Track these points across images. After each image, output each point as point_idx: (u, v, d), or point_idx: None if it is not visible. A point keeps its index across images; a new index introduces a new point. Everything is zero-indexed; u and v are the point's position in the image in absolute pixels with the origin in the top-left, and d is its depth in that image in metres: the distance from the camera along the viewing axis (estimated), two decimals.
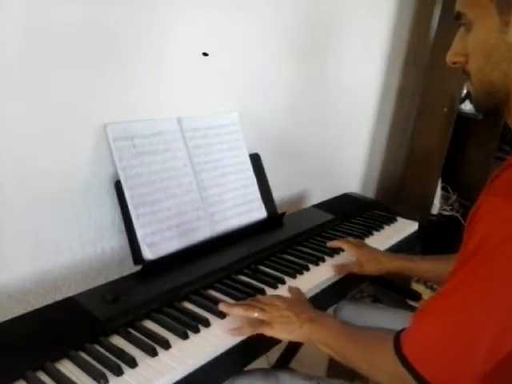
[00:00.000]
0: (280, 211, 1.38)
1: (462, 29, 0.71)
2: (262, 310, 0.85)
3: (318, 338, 0.82)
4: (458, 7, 0.69)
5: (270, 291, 0.99)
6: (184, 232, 1.11)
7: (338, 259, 1.17)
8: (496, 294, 0.60)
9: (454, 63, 0.73)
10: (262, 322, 0.84)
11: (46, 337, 0.80)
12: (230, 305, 0.89)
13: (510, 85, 0.67)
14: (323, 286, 1.07)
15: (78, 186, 1.05)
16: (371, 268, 1.12)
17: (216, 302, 0.93)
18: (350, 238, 1.23)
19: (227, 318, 0.88)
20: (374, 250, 1.17)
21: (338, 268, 1.11)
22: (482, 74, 0.69)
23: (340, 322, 0.86)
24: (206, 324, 0.86)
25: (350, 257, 1.16)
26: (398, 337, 0.69)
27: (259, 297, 0.93)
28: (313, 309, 0.88)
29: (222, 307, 0.88)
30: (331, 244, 1.20)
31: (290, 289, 0.97)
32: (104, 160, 1.06)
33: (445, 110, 1.94)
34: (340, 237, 1.29)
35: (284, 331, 0.83)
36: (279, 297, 0.90)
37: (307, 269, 1.10)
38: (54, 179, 1.00)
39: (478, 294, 0.61)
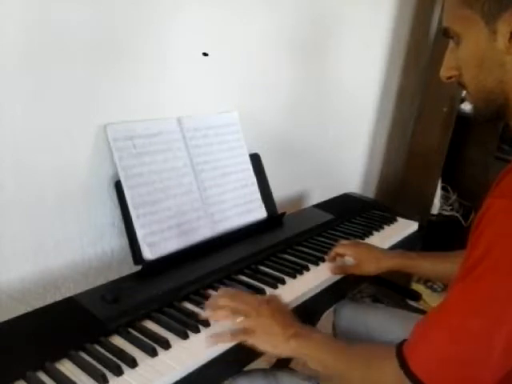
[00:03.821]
0: (280, 211, 1.38)
1: (451, 43, 0.72)
2: (246, 314, 0.81)
3: (306, 353, 0.77)
4: (445, 23, 0.71)
5: (270, 291, 0.99)
6: (184, 232, 1.11)
7: (338, 260, 1.17)
8: (507, 298, 0.58)
9: (449, 78, 0.74)
10: (244, 329, 0.80)
11: (46, 337, 0.80)
12: (213, 310, 0.83)
13: (507, 89, 0.67)
14: (323, 286, 1.07)
15: (77, 186, 1.05)
16: (370, 267, 1.10)
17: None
18: (343, 241, 1.20)
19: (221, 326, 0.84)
20: (372, 248, 1.15)
21: (336, 269, 1.10)
22: (477, 84, 0.70)
23: (329, 337, 0.82)
24: (206, 324, 0.85)
25: (348, 257, 1.13)
26: (400, 351, 0.66)
27: (243, 294, 0.88)
28: (298, 322, 0.82)
29: (205, 315, 0.83)
30: (330, 256, 1.15)
31: (272, 297, 0.89)
32: (104, 160, 1.06)
33: (445, 110, 1.94)
34: (340, 237, 1.29)
35: (268, 343, 0.79)
36: (264, 301, 0.84)
37: (307, 269, 1.10)
38: (54, 179, 1.00)
39: (488, 298, 0.59)
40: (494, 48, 0.65)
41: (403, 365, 0.64)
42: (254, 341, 0.79)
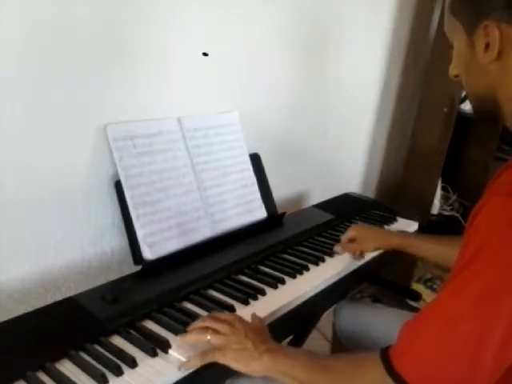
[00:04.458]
0: (280, 211, 1.38)
1: None
2: (215, 332, 0.76)
3: (281, 370, 0.73)
4: (444, 28, 0.74)
5: (270, 291, 0.99)
6: (184, 232, 1.11)
7: (339, 259, 1.17)
8: (502, 296, 0.57)
9: (456, 76, 0.76)
10: (214, 348, 0.76)
11: (46, 337, 0.80)
12: (184, 336, 0.79)
13: (496, 95, 0.68)
14: (323, 286, 1.07)
15: (78, 186, 1.05)
16: (371, 244, 1.15)
17: (216, 302, 0.94)
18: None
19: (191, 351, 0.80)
20: (373, 227, 1.23)
21: (344, 248, 1.16)
22: (468, 88, 0.73)
23: (305, 351, 0.79)
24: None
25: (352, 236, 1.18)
26: (386, 355, 0.64)
27: (217, 314, 0.84)
28: (273, 341, 0.78)
29: (179, 343, 0.79)
30: (340, 248, 1.19)
31: (253, 317, 0.85)
32: (104, 160, 1.06)
33: (445, 110, 1.94)
34: (340, 237, 1.29)
35: (238, 361, 0.74)
36: (240, 319, 0.80)
37: (307, 269, 1.10)
38: (54, 179, 1.00)
39: (482, 297, 0.58)
40: (475, 59, 0.67)
41: (390, 369, 0.62)
42: (224, 359, 0.75)
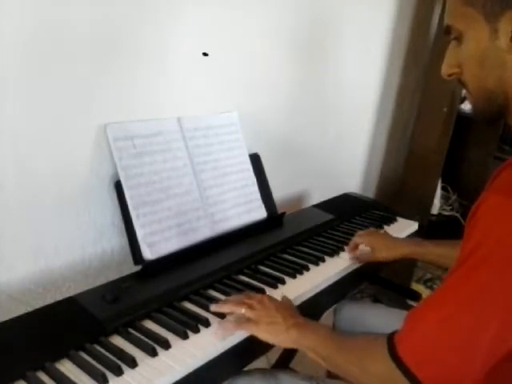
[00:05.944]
0: (280, 211, 1.38)
1: (453, 42, 0.72)
2: (250, 306, 0.84)
3: (305, 344, 0.80)
4: (447, 21, 0.71)
5: (270, 291, 0.99)
6: (184, 232, 1.11)
7: (339, 259, 1.17)
8: (496, 293, 0.59)
9: (450, 75, 0.74)
10: (247, 320, 0.84)
11: (46, 337, 0.80)
12: (219, 303, 0.88)
13: (507, 88, 0.67)
14: (323, 286, 1.07)
15: (78, 186, 1.05)
16: (384, 254, 1.15)
17: (216, 302, 0.94)
18: (360, 231, 1.23)
19: (227, 318, 0.88)
20: (385, 236, 1.20)
21: (354, 259, 1.16)
22: (478, 82, 0.70)
23: (329, 329, 0.84)
24: (206, 324, 0.86)
25: (363, 247, 1.18)
26: (391, 338, 0.67)
27: (249, 293, 0.92)
28: (301, 316, 0.86)
29: (213, 308, 0.88)
30: (350, 247, 1.19)
31: (282, 297, 0.93)
32: (104, 160, 1.06)
33: (445, 110, 1.94)
34: (340, 237, 1.29)
35: (269, 333, 0.82)
36: (269, 297, 0.89)
37: (307, 269, 1.10)
38: (54, 179, 1.00)
39: (477, 292, 0.60)
40: (496, 47, 0.65)
41: (392, 351, 0.66)
42: (256, 330, 0.82)
